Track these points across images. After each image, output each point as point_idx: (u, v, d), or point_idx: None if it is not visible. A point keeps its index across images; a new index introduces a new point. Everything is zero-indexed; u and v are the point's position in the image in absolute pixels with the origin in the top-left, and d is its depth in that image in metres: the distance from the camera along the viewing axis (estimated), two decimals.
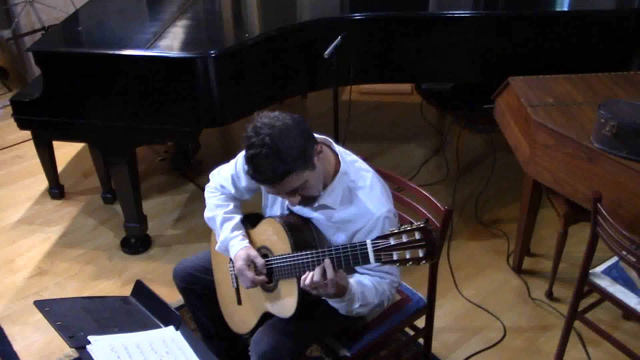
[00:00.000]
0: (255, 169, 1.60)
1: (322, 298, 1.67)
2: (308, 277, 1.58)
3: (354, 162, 1.82)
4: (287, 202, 1.85)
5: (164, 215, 3.35)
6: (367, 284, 1.73)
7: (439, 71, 3.19)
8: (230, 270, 1.96)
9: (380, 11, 3.05)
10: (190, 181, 3.65)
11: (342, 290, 1.62)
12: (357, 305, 1.70)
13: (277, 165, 1.58)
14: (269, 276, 1.82)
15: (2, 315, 2.71)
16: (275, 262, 1.77)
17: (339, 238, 1.77)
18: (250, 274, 1.79)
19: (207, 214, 1.96)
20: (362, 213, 1.73)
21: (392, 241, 1.45)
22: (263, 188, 1.93)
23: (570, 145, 2.31)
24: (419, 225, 1.43)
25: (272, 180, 1.61)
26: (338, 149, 1.81)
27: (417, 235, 1.42)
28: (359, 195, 1.75)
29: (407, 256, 1.43)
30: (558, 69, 2.86)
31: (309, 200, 1.73)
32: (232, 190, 1.96)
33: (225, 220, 1.90)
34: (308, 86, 3.17)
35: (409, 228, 1.44)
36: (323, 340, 1.99)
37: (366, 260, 1.51)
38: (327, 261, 1.57)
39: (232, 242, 1.86)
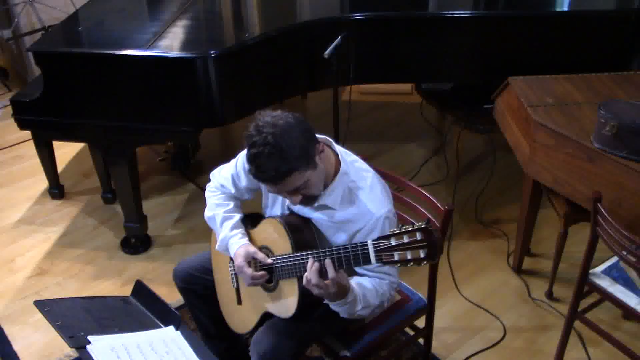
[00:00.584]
0: (257, 167, 1.60)
1: (325, 302, 1.67)
2: (310, 275, 1.58)
3: (354, 162, 1.82)
4: (287, 202, 1.85)
5: (164, 215, 3.35)
6: (368, 286, 1.73)
7: (439, 71, 3.19)
8: (231, 270, 1.96)
9: (380, 11, 3.05)
10: (190, 181, 3.65)
11: (343, 291, 1.62)
12: (359, 307, 1.70)
13: (279, 164, 1.57)
14: (270, 276, 1.82)
15: (2, 315, 2.71)
16: (276, 262, 1.77)
17: (339, 238, 1.77)
18: (250, 270, 1.79)
19: (207, 213, 1.96)
20: (362, 213, 1.73)
21: (393, 242, 1.45)
22: (263, 187, 1.92)
23: (570, 145, 2.31)
24: (421, 225, 1.43)
25: (274, 179, 1.61)
26: (338, 149, 1.81)
27: (419, 236, 1.42)
28: (359, 195, 1.75)
29: (408, 257, 1.43)
30: (558, 69, 2.86)
31: (309, 200, 1.73)
32: (233, 190, 1.96)
33: (225, 219, 1.90)
34: (308, 86, 3.17)
35: (410, 229, 1.43)
36: (323, 340, 1.99)
37: (367, 261, 1.51)
38: (327, 261, 1.57)
39: (232, 241, 1.86)
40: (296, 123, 1.62)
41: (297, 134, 1.60)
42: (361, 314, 1.74)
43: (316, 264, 1.58)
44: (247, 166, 1.66)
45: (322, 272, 1.58)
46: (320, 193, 1.73)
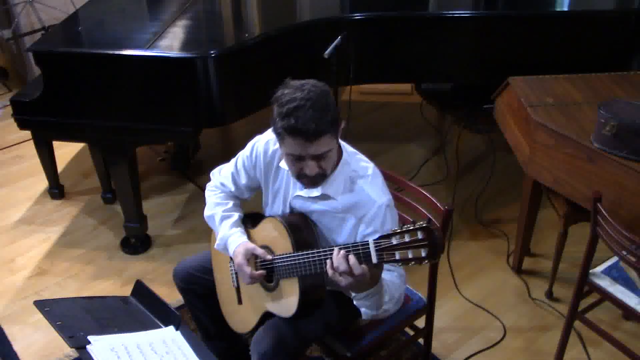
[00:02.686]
0: (297, 119, 1.58)
1: (351, 297, 1.65)
2: (337, 262, 1.52)
3: (354, 153, 1.83)
4: (289, 199, 1.85)
5: (164, 215, 3.35)
6: (386, 277, 1.69)
7: (439, 71, 3.19)
8: (231, 270, 1.96)
9: (380, 11, 3.05)
10: (190, 181, 3.65)
11: (375, 276, 1.56)
12: (386, 298, 1.67)
13: (319, 119, 1.58)
14: (270, 275, 1.82)
15: (2, 315, 2.71)
16: (277, 261, 1.77)
17: (347, 224, 1.76)
18: (249, 269, 1.79)
19: (206, 212, 1.96)
20: (364, 201, 1.73)
21: (394, 240, 1.44)
22: (263, 186, 1.93)
23: (570, 145, 2.31)
24: (422, 225, 1.42)
25: (313, 134, 1.59)
26: (339, 140, 1.81)
27: (420, 235, 1.42)
28: (361, 184, 1.75)
29: (410, 256, 1.43)
30: (558, 69, 2.86)
31: (317, 180, 1.72)
32: (233, 188, 1.96)
33: (224, 218, 1.91)
34: None
35: (411, 228, 1.43)
36: (323, 340, 1.99)
37: (368, 260, 1.50)
38: (351, 256, 1.52)
39: (231, 239, 1.86)
40: (329, 92, 1.65)
41: (332, 99, 1.64)
42: (386, 308, 1.70)
43: (342, 252, 1.52)
44: (280, 124, 1.61)
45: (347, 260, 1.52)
46: (330, 173, 1.73)
